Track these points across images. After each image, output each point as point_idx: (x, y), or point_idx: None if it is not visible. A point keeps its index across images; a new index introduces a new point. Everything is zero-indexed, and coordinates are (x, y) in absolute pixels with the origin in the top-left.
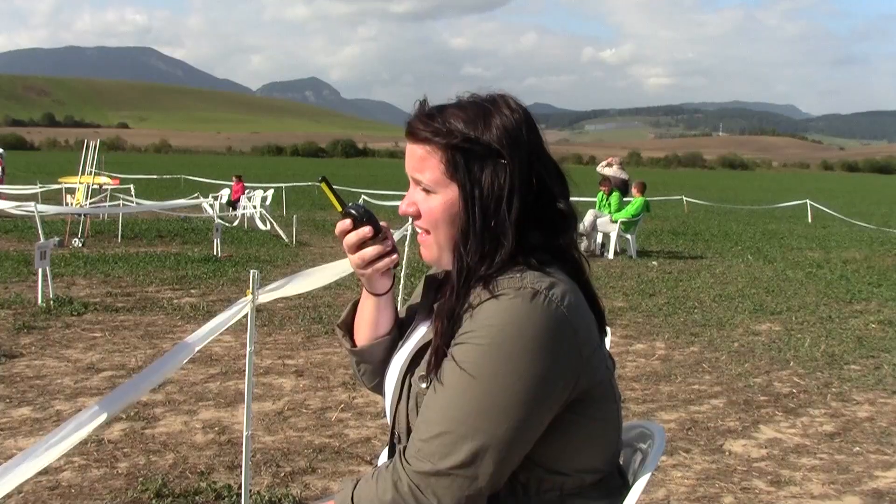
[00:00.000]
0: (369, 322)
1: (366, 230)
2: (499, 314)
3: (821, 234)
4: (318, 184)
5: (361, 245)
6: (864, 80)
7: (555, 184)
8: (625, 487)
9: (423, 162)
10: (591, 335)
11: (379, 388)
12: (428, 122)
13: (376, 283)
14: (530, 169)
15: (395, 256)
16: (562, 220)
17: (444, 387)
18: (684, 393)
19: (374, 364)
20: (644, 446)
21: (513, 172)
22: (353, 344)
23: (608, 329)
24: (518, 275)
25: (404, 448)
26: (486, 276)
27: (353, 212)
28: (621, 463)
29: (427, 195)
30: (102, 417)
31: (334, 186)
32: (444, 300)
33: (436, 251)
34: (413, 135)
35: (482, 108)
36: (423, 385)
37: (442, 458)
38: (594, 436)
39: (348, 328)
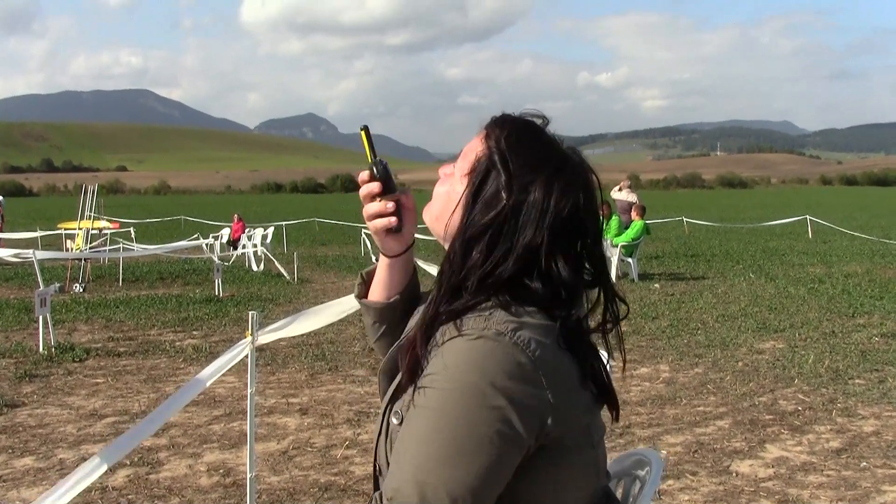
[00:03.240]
0: (380, 281)
1: (372, 186)
2: (461, 356)
3: (822, 249)
4: (359, 131)
5: (372, 201)
6: (860, 93)
7: (563, 244)
8: None
9: (466, 152)
10: (563, 383)
11: (382, 353)
12: (498, 123)
13: (384, 244)
14: (541, 219)
15: (392, 219)
16: (551, 287)
17: (410, 431)
18: (690, 415)
19: (380, 323)
20: (642, 473)
21: (524, 210)
22: (362, 295)
23: (608, 365)
24: (486, 313)
25: (380, 494)
26: (453, 312)
27: (373, 167)
28: (620, 492)
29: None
30: (106, 465)
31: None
32: (411, 331)
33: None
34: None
35: (554, 155)
36: (395, 421)
37: None
38: (568, 481)
39: (369, 279)
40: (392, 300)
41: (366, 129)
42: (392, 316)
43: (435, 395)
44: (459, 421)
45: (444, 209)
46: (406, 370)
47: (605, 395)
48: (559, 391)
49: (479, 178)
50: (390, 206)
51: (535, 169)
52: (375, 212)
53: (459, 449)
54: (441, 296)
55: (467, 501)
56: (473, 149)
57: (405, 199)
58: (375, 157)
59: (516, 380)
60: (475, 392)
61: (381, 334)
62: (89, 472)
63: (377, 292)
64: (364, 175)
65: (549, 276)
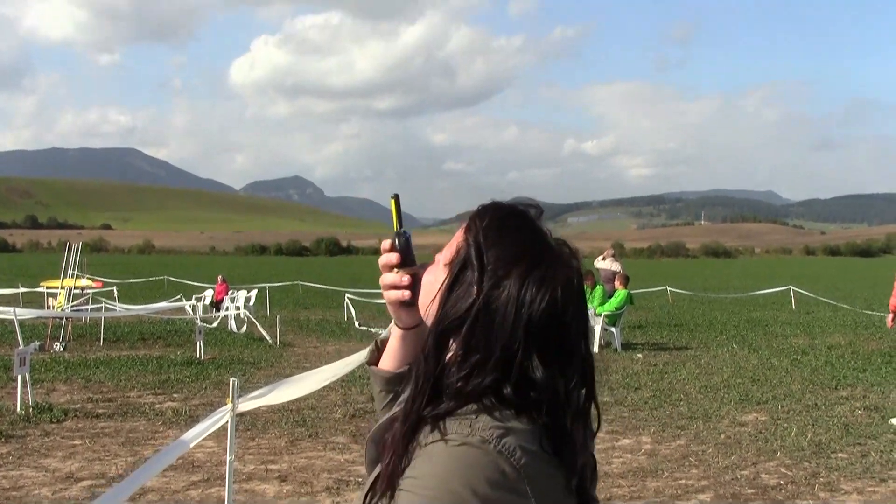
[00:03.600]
0: (391, 351)
1: (391, 256)
2: (443, 463)
3: (805, 320)
4: (390, 198)
5: (390, 271)
6: (843, 164)
7: (538, 348)
8: None
9: (452, 241)
10: (549, 491)
11: None
12: (480, 213)
13: (397, 315)
14: (516, 323)
15: (405, 293)
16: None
17: None
18: (671, 488)
19: (386, 392)
20: None
21: (493, 307)
22: (373, 361)
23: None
24: (471, 417)
25: None
26: (437, 416)
27: (395, 237)
28: None
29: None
30: None
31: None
32: (395, 427)
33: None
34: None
35: (534, 248)
36: None
37: None
38: None
39: (383, 347)
40: (400, 370)
41: (396, 197)
42: (399, 386)
43: (416, 500)
44: None
45: (426, 298)
46: (385, 473)
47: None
48: (544, 500)
49: (456, 271)
50: (406, 279)
51: (510, 263)
52: (390, 283)
53: None
54: (418, 395)
55: None
56: (457, 238)
57: (423, 273)
58: (401, 227)
59: (500, 489)
60: (457, 500)
61: (386, 403)
62: None
63: (388, 361)
64: (386, 244)
65: (528, 382)
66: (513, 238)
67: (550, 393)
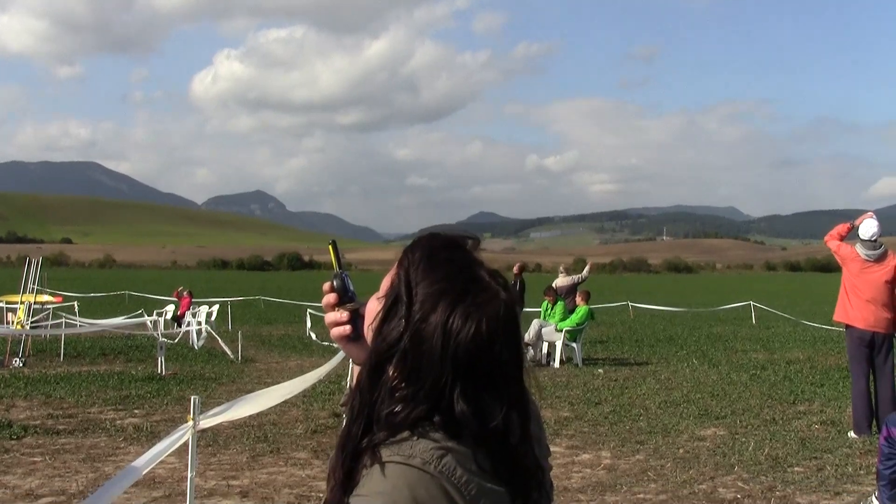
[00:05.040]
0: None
1: (329, 297)
2: (390, 481)
3: (765, 336)
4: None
5: (332, 310)
6: (803, 181)
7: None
8: None
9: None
10: None
11: None
12: (412, 247)
13: (347, 351)
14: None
15: (346, 328)
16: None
17: None
18: (630, 503)
19: None
20: None
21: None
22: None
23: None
24: (412, 440)
25: None
26: (374, 444)
27: (333, 278)
28: None
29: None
30: None
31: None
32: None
33: None
34: None
35: (462, 280)
36: None
37: None
38: None
39: None
40: None
41: (333, 243)
42: None
43: None
44: None
45: (368, 327)
46: (329, 499)
47: None
48: None
49: (388, 305)
50: (343, 315)
51: (437, 296)
52: (332, 321)
53: None
54: (353, 424)
55: None
56: (391, 271)
57: (364, 310)
58: (340, 268)
59: None
60: None
61: None
62: None
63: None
64: (326, 286)
65: (458, 410)
66: (441, 271)
67: (481, 419)
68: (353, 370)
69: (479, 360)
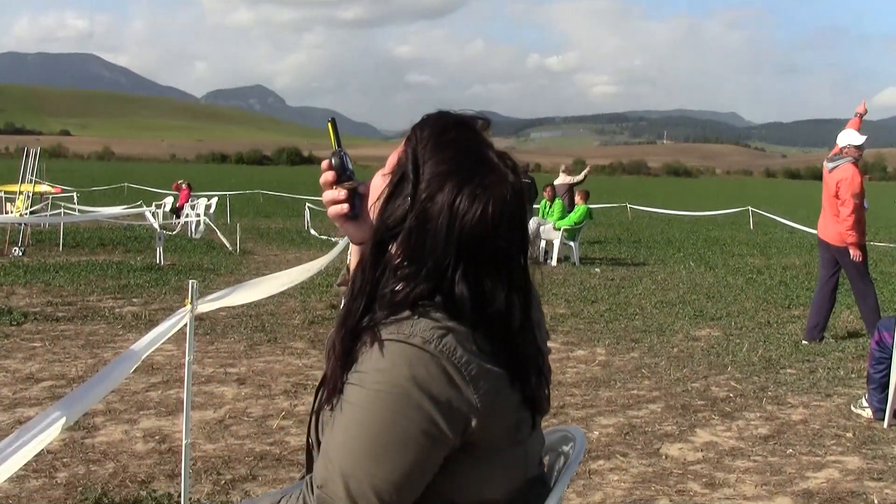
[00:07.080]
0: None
1: (328, 174)
2: (388, 358)
3: (762, 241)
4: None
5: (330, 188)
6: (806, 89)
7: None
8: (543, 495)
9: (394, 151)
10: (490, 386)
11: None
12: (421, 125)
13: (345, 231)
14: (449, 230)
15: (344, 206)
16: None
17: (339, 424)
18: (623, 398)
19: None
20: (566, 448)
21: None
22: (344, 283)
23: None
24: (412, 319)
25: (311, 478)
26: (373, 322)
27: (331, 156)
28: (546, 466)
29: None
30: (57, 425)
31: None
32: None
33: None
34: None
35: (470, 160)
36: (327, 408)
37: (341, 501)
38: (490, 476)
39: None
40: None
41: (332, 121)
42: None
43: (363, 393)
44: (386, 421)
45: (372, 205)
46: (329, 376)
47: (530, 402)
48: (485, 394)
49: (394, 181)
50: (342, 193)
51: (445, 176)
52: (329, 199)
53: (385, 446)
54: (353, 302)
55: (391, 495)
56: (398, 148)
57: (363, 188)
58: (339, 146)
59: (442, 384)
60: (402, 394)
61: None
62: (47, 426)
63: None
64: (324, 164)
65: (459, 291)
66: (450, 151)
67: (482, 301)
68: (353, 251)
69: (483, 242)
